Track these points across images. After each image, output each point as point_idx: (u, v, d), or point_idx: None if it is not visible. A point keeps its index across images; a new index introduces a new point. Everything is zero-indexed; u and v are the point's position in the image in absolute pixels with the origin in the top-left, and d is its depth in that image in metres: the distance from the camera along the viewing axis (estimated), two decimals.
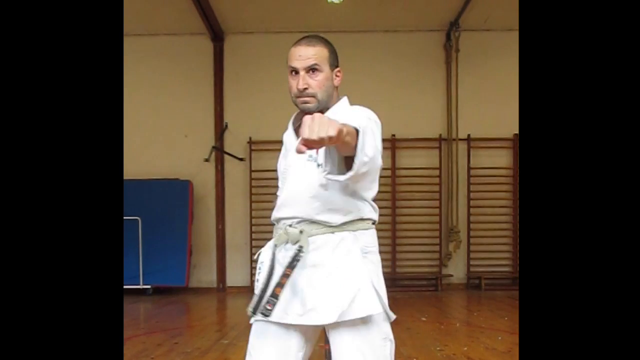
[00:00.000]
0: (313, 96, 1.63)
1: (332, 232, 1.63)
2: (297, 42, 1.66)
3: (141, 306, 6.76)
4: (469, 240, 8.02)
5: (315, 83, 1.63)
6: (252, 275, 7.95)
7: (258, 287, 1.65)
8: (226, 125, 8.00)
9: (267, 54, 7.90)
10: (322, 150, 1.45)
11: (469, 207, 8.00)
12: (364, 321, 1.59)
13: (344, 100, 1.73)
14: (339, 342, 1.62)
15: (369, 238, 1.68)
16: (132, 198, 6.95)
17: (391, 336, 1.66)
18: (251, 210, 7.95)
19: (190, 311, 6.79)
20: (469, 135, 7.95)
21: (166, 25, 7.77)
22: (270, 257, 1.67)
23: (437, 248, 8.02)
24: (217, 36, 7.92)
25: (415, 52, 8.04)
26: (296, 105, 1.69)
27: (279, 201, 1.72)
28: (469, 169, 8.00)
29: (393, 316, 1.65)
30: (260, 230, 7.73)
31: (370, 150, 1.40)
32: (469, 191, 8.00)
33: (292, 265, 1.59)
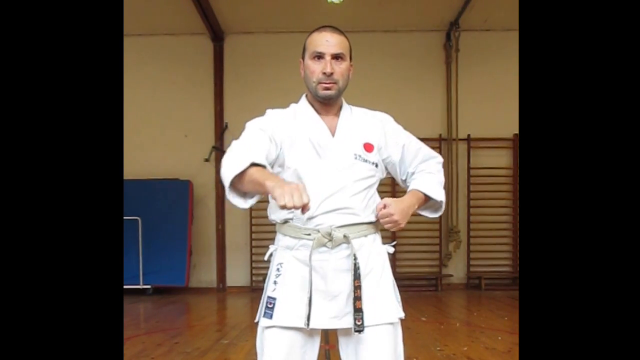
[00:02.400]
0: (335, 83, 1.62)
1: (366, 235, 1.65)
2: (321, 29, 1.65)
3: (141, 306, 6.76)
4: (469, 240, 8.02)
5: (339, 70, 1.63)
6: (252, 275, 7.97)
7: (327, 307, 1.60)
8: (226, 125, 8.00)
9: (267, 54, 7.91)
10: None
11: (469, 207, 8.00)
12: (395, 322, 1.67)
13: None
14: (372, 342, 1.62)
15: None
16: (132, 198, 6.95)
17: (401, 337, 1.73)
18: (251, 210, 7.94)
19: (190, 311, 6.78)
20: (469, 135, 7.95)
21: (166, 25, 7.76)
22: (308, 264, 1.60)
23: (437, 248, 8.02)
24: (217, 36, 7.92)
25: (415, 52, 8.03)
26: (314, 91, 1.65)
27: (315, 196, 1.57)
28: (469, 169, 7.99)
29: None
30: (260, 230, 7.73)
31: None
32: (469, 191, 8.00)
33: (357, 276, 1.59)
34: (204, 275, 8.10)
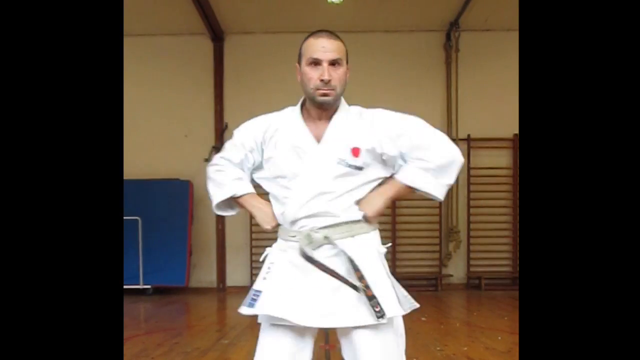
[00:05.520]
0: (333, 89, 1.63)
1: (352, 236, 1.65)
2: (317, 35, 1.65)
3: (141, 306, 6.76)
4: (469, 240, 8.01)
5: (337, 76, 1.63)
6: (252, 275, 7.96)
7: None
8: (226, 125, 8.00)
9: (267, 54, 7.90)
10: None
11: (469, 207, 8.00)
12: (392, 319, 1.64)
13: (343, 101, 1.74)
14: (359, 342, 1.61)
15: (379, 237, 1.73)
16: (132, 198, 6.93)
17: (402, 330, 1.72)
18: None
19: (190, 311, 6.78)
20: (469, 135, 7.95)
21: (166, 25, 7.76)
22: (305, 256, 1.63)
23: (437, 248, 8.02)
24: (217, 36, 7.92)
25: (415, 52, 8.03)
26: (311, 98, 1.65)
27: (295, 201, 1.65)
28: (469, 169, 7.99)
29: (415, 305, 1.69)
30: (260, 230, 7.67)
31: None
32: (469, 191, 7.99)
33: (356, 267, 1.60)
34: (204, 275, 8.10)
